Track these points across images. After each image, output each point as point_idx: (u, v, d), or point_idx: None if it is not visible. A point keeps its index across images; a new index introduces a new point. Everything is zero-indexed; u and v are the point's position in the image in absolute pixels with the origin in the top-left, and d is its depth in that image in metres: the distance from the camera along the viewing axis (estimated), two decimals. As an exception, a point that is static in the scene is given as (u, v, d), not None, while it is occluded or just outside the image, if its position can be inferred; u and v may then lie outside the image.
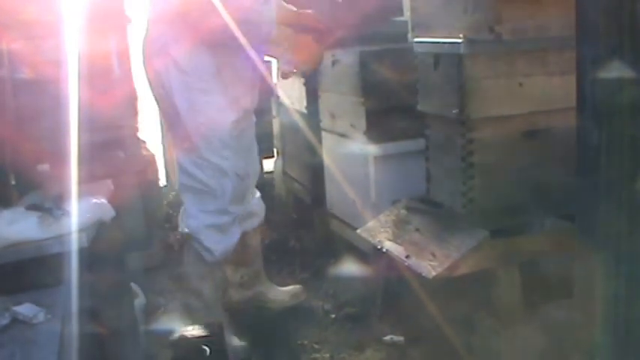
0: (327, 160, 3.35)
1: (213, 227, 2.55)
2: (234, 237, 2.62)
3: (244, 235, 2.76)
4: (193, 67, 2.49)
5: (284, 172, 4.19)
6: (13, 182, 2.44)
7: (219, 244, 2.58)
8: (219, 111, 2.50)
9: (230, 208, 2.56)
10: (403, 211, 2.52)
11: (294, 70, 2.58)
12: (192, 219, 2.58)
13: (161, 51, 2.56)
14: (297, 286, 3.17)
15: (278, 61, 2.54)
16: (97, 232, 2.03)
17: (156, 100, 2.67)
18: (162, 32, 2.54)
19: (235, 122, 2.54)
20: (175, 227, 4.12)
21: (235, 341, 2.70)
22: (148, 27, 2.62)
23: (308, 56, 2.50)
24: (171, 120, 2.65)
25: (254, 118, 2.84)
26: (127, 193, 2.76)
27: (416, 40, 2.42)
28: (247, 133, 2.76)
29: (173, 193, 4.77)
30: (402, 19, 3.12)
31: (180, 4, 2.35)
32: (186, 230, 2.67)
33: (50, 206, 2.01)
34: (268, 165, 4.61)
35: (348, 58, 2.95)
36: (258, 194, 2.92)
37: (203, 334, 2.46)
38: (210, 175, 2.53)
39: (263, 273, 3.09)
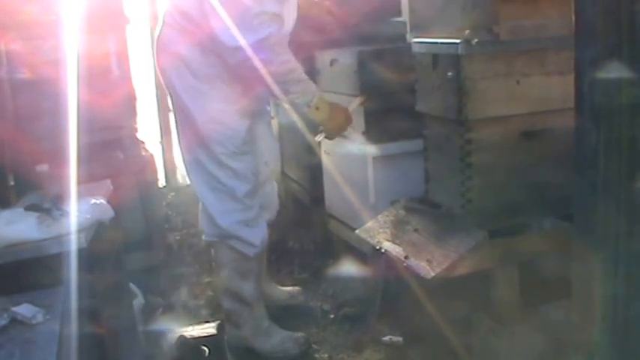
0: (325, 160, 3.35)
1: (244, 223, 2.59)
2: (263, 227, 2.67)
3: None
4: (205, 72, 2.51)
5: (283, 173, 4.19)
6: (12, 183, 2.45)
7: (256, 236, 2.62)
8: (234, 120, 2.54)
9: (248, 202, 2.60)
10: (402, 212, 2.52)
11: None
12: (221, 218, 2.60)
13: (169, 50, 2.56)
14: (296, 288, 3.18)
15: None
16: (95, 232, 2.03)
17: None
18: (173, 35, 2.55)
19: (249, 129, 2.59)
20: (174, 228, 4.14)
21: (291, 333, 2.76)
22: (162, 28, 2.61)
23: (343, 121, 2.62)
24: (181, 118, 2.65)
25: (268, 110, 2.89)
26: (126, 194, 2.76)
27: (414, 40, 2.42)
28: (262, 129, 2.81)
29: (172, 193, 4.77)
30: (400, 19, 3.12)
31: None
32: (209, 238, 2.70)
33: (49, 207, 2.00)
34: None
35: (346, 58, 2.95)
36: (270, 185, 2.91)
37: (202, 334, 2.46)
38: (228, 175, 2.56)
39: (264, 269, 3.09)
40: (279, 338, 2.71)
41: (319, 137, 2.70)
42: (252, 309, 2.70)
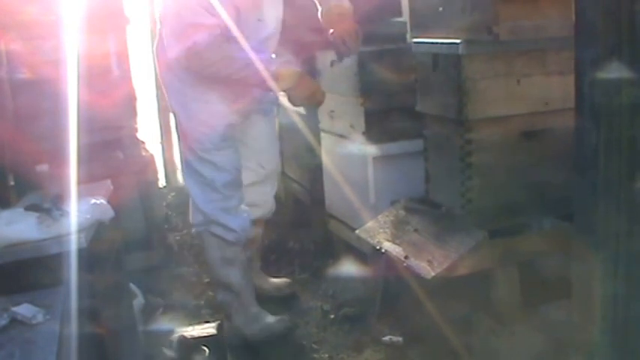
0: (326, 160, 3.35)
1: (224, 210, 2.71)
2: (245, 216, 2.77)
3: None
4: (184, 75, 2.61)
5: (283, 173, 4.18)
6: (12, 183, 2.45)
7: (235, 222, 2.72)
8: (212, 117, 2.65)
9: (227, 192, 2.71)
10: (402, 212, 2.53)
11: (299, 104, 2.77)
12: (203, 205, 2.73)
13: (160, 58, 2.70)
14: (285, 280, 3.24)
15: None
16: (96, 232, 2.03)
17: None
18: (161, 44, 2.66)
19: (228, 126, 2.68)
20: (174, 228, 4.14)
21: (275, 317, 2.86)
22: (157, 38, 2.73)
23: (310, 93, 2.67)
24: (175, 120, 2.83)
25: (267, 111, 2.95)
26: (126, 194, 2.78)
27: (415, 40, 2.42)
28: (259, 130, 2.91)
29: (172, 193, 4.77)
30: (400, 19, 3.12)
31: (186, 56, 2.50)
32: (197, 228, 2.81)
33: (49, 207, 2.00)
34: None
35: (346, 58, 2.95)
36: (266, 187, 3.00)
37: (202, 334, 2.46)
38: (209, 168, 2.68)
39: (256, 261, 3.18)
40: (265, 322, 2.82)
41: (282, 96, 2.75)
42: (239, 296, 2.80)
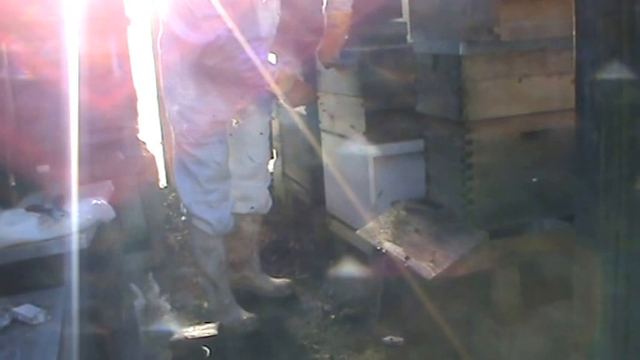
0: (326, 161, 3.35)
1: (203, 203, 2.80)
2: (225, 210, 2.85)
3: (237, 218, 2.95)
4: (174, 70, 2.69)
5: (283, 173, 4.19)
6: (13, 183, 2.45)
7: (213, 216, 2.81)
8: (197, 114, 2.73)
9: (209, 186, 2.79)
10: (402, 212, 2.53)
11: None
12: (184, 197, 2.85)
13: (160, 53, 2.76)
14: (285, 280, 3.26)
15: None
16: (96, 233, 2.03)
17: None
18: (159, 40, 2.75)
19: (211, 123, 2.75)
20: (175, 228, 4.14)
21: (244, 314, 2.91)
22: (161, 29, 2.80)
23: (303, 95, 2.85)
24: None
25: (258, 111, 2.99)
26: (126, 195, 2.79)
27: (415, 41, 2.42)
28: (249, 126, 2.97)
29: (173, 194, 4.77)
30: (401, 20, 3.13)
31: (198, 54, 2.59)
32: (186, 219, 2.97)
33: (50, 207, 2.01)
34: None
35: (347, 59, 2.95)
36: (259, 181, 3.06)
37: (203, 334, 2.47)
38: (192, 162, 2.78)
39: (256, 261, 3.21)
40: (231, 317, 2.88)
41: (281, 100, 2.87)
42: (215, 286, 2.90)
